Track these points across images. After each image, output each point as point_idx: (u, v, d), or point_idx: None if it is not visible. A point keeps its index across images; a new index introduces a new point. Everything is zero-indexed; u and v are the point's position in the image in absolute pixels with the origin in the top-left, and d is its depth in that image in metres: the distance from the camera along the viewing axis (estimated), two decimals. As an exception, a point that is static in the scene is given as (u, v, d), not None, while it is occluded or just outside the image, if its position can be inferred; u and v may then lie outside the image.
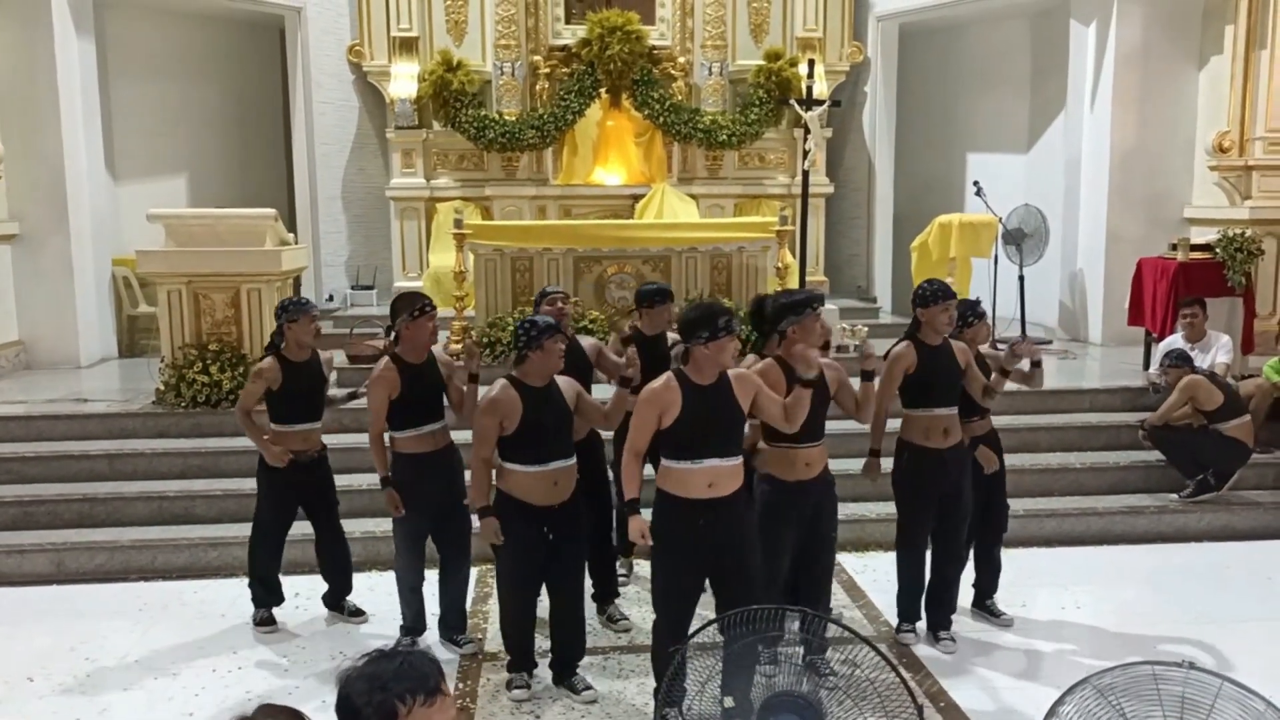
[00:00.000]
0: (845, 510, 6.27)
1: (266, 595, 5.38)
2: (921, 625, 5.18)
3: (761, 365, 4.48)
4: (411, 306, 4.83)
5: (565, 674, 4.61)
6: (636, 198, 10.76)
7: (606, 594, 5.42)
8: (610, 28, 10.42)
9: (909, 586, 5.13)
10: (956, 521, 5.02)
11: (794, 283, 9.11)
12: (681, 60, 11.08)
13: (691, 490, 3.97)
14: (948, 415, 4.90)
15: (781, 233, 8.47)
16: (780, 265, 8.47)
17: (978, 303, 5.37)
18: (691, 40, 11.13)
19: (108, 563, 6.04)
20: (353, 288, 11.24)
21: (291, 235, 8.05)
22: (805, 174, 9.63)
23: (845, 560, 6.19)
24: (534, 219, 10.61)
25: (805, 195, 9.65)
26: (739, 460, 4.08)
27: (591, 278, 8.56)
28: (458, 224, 8.33)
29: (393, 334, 4.95)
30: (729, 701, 2.88)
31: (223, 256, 7.19)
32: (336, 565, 5.43)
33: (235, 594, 5.71)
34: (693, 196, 10.87)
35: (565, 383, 4.50)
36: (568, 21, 11.05)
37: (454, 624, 5.09)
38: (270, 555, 5.36)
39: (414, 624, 5.06)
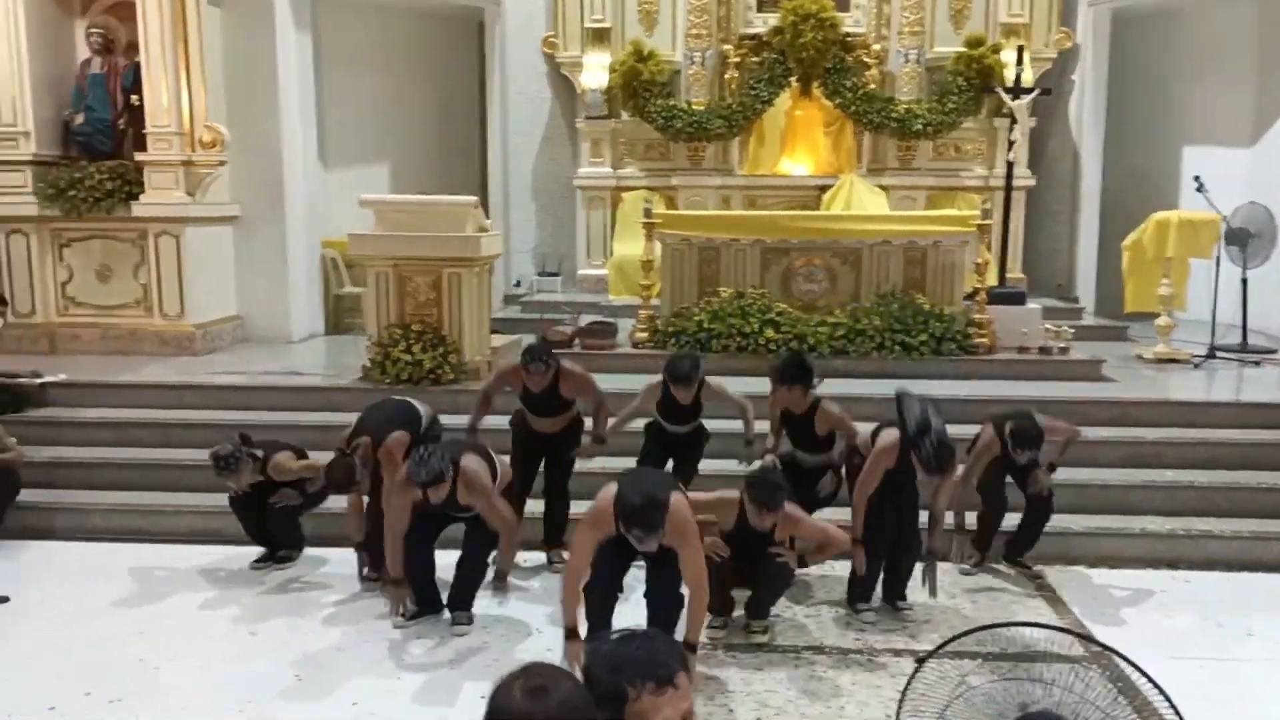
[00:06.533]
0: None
1: None
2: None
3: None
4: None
5: None
6: (823, 189, 10.58)
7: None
8: (804, 15, 10.27)
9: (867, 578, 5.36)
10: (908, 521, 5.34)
11: (992, 279, 8.77)
12: (876, 48, 10.81)
13: None
14: None
15: (982, 227, 8.14)
16: (979, 261, 8.15)
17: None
18: (887, 27, 10.84)
19: (320, 529, 6.33)
20: (539, 274, 11.49)
21: (489, 222, 8.26)
22: (1009, 165, 9.23)
23: (1048, 574, 5.90)
24: (718, 209, 10.58)
25: (1009, 188, 9.26)
26: None
27: (779, 269, 8.44)
28: (647, 213, 8.38)
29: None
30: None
31: (427, 241, 7.44)
32: None
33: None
34: (882, 188, 10.60)
35: None
36: (759, 10, 10.95)
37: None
38: None
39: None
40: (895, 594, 5.41)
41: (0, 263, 8.87)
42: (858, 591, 5.39)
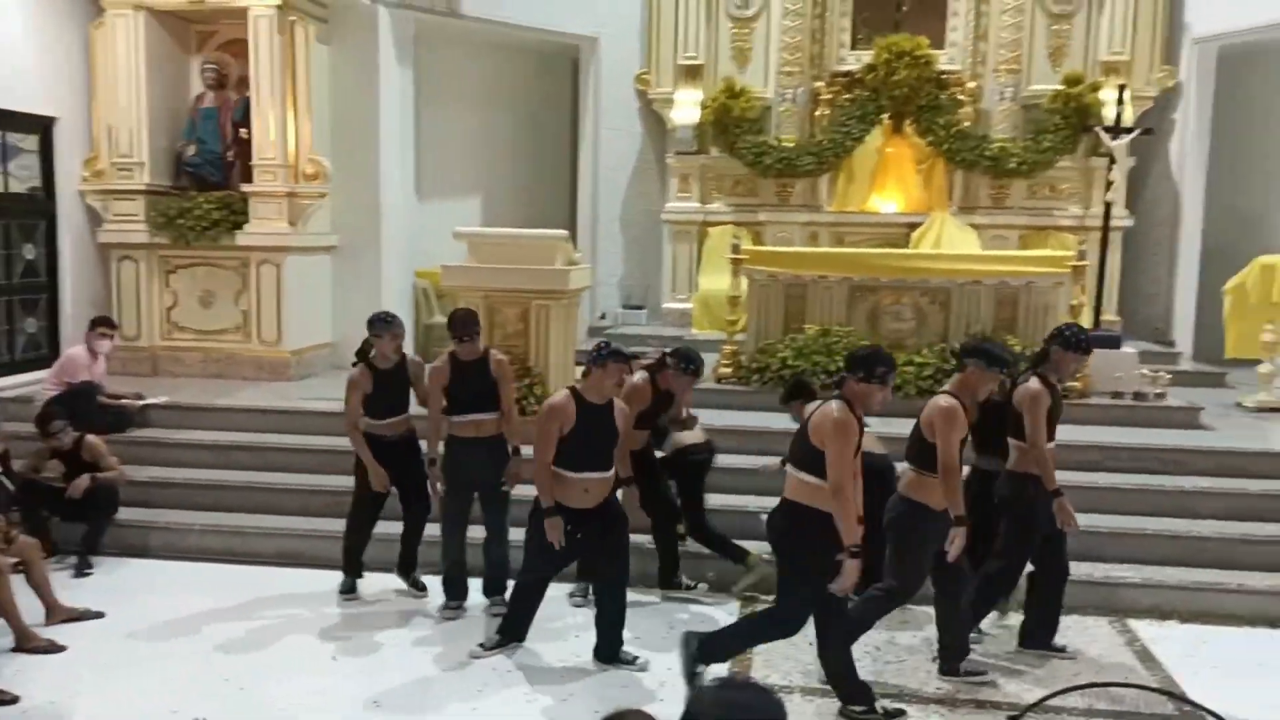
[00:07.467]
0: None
1: (349, 565, 6.03)
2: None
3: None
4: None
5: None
6: (912, 226, 10.46)
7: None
8: (899, 53, 10.23)
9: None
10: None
11: (1086, 322, 8.53)
12: (971, 85, 10.69)
13: None
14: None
15: (1077, 268, 7.95)
16: (1073, 303, 7.95)
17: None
18: (983, 64, 10.72)
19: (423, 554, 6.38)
20: (624, 307, 11.56)
21: (578, 255, 8.35)
22: (1107, 205, 9.01)
23: (1139, 629, 5.69)
24: (805, 245, 10.52)
25: (1106, 228, 9.04)
26: None
27: (866, 308, 8.36)
28: (735, 248, 8.38)
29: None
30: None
31: (518, 274, 7.53)
32: (409, 534, 6.04)
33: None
34: (974, 227, 10.44)
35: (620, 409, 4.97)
36: (853, 47, 10.93)
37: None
38: (358, 529, 6.01)
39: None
40: (1038, 637, 5.30)
41: (110, 287, 9.29)
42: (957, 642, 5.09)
